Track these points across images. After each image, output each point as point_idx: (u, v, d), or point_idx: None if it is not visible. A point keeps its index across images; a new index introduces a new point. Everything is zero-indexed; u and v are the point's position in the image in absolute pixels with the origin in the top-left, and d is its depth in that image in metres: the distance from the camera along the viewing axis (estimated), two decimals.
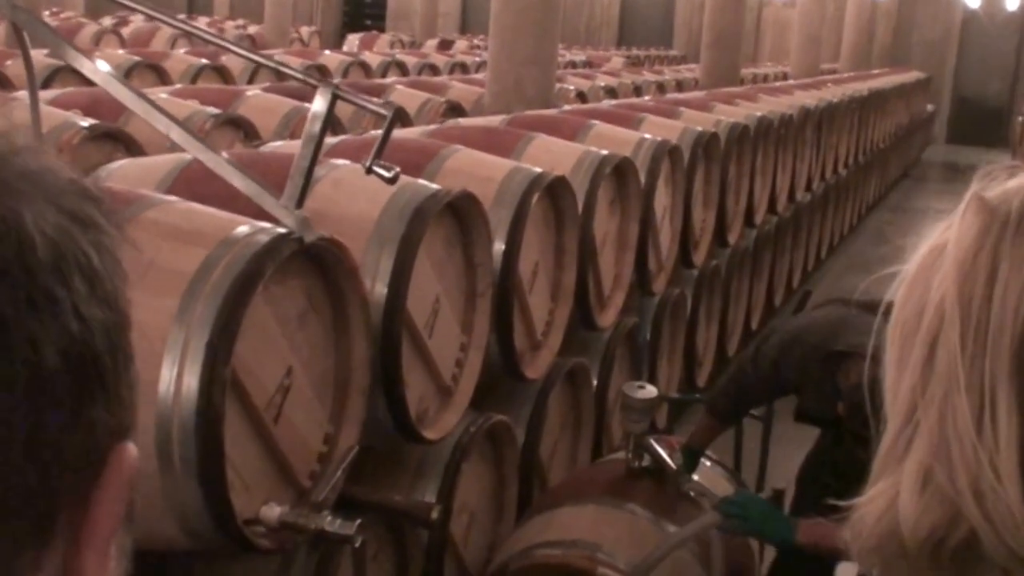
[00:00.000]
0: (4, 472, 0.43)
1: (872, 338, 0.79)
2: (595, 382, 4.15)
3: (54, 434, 0.45)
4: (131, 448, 0.49)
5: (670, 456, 3.17)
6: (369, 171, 2.32)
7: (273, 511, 2.20)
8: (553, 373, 3.66)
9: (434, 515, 2.60)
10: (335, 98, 2.40)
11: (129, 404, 0.50)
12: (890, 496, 0.73)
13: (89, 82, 4.21)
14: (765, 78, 15.08)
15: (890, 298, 0.78)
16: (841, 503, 0.76)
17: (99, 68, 2.56)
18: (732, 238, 6.19)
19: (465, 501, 3.16)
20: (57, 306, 0.45)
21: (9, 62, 5.36)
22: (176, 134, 2.47)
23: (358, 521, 2.29)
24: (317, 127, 2.37)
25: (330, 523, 2.26)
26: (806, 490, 3.18)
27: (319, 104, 2.39)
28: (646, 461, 3.23)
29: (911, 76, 18.90)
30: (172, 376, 1.98)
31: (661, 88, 10.87)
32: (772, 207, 7.29)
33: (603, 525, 3.02)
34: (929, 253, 0.77)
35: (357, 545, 2.29)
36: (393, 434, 2.75)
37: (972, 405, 0.70)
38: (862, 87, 12.73)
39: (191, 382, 1.96)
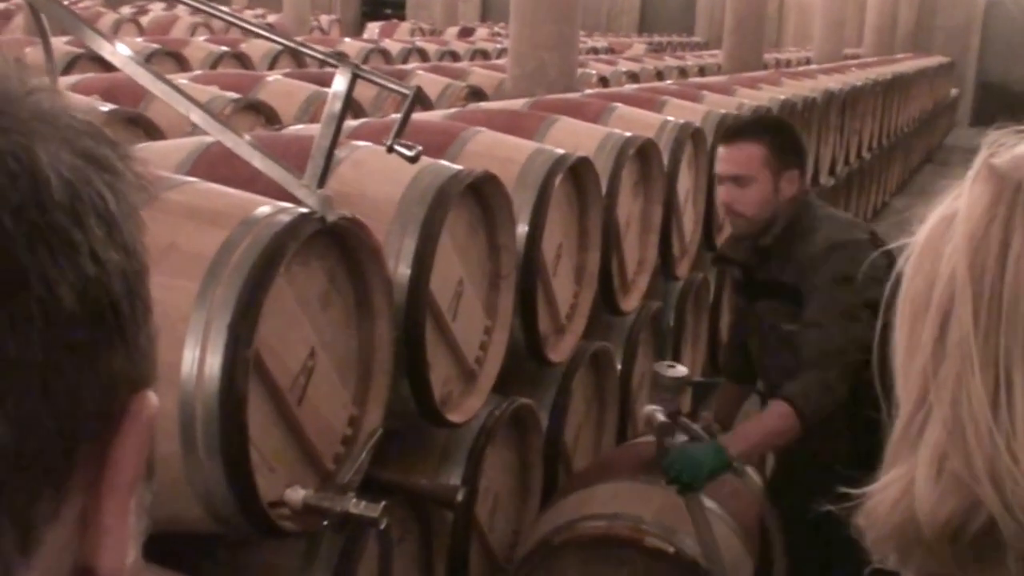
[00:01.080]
0: (20, 418, 0.42)
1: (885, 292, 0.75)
2: (619, 366, 4.12)
3: (71, 380, 0.44)
4: (151, 397, 0.48)
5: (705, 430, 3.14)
6: (390, 150, 2.29)
7: (298, 494, 2.18)
8: (577, 357, 3.63)
9: (459, 497, 2.58)
10: (355, 77, 2.38)
11: (148, 354, 0.49)
12: (905, 483, 0.69)
13: (108, 69, 4.19)
14: (788, 63, 14.98)
15: (898, 271, 0.74)
16: (853, 491, 0.72)
17: (119, 51, 2.55)
18: None
19: (490, 484, 3.14)
20: (73, 248, 0.44)
21: (28, 49, 5.36)
22: (196, 116, 2.45)
23: (383, 503, 2.27)
24: (337, 106, 2.34)
25: (355, 505, 2.24)
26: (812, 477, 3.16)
27: (339, 83, 2.36)
28: (677, 440, 3.19)
29: (934, 60, 18.74)
30: (194, 358, 1.96)
31: (683, 73, 10.80)
32: None
33: (641, 500, 3.00)
34: (938, 224, 0.73)
35: (382, 527, 2.27)
36: (418, 418, 2.73)
37: (987, 386, 0.66)
38: (886, 71, 12.61)
39: (214, 364, 1.94)
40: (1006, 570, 0.67)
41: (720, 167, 3.10)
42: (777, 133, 3.13)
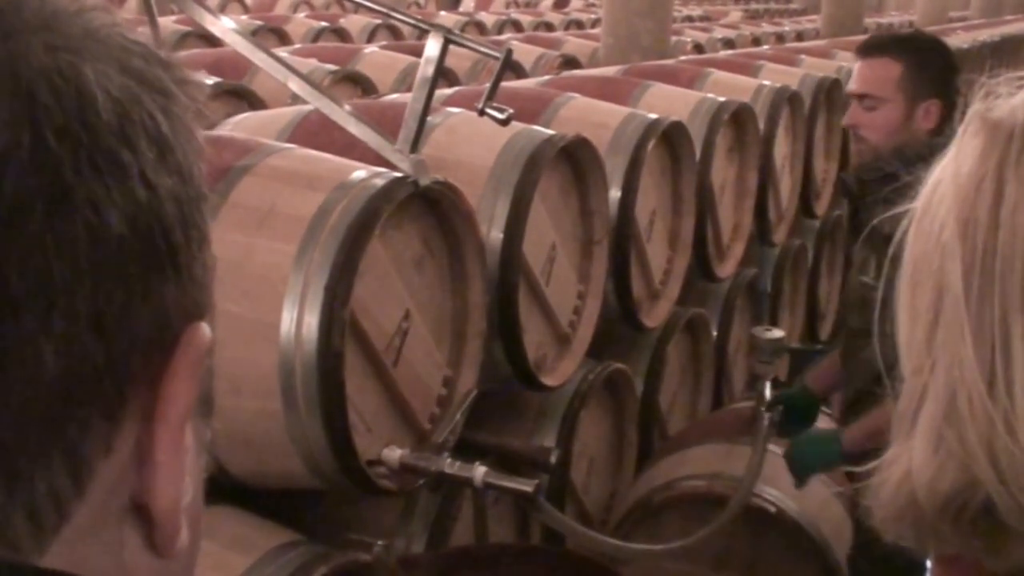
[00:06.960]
0: (68, 346, 0.40)
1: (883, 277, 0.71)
2: (715, 333, 4.10)
3: (121, 308, 0.42)
4: (204, 328, 0.46)
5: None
6: (482, 113, 2.31)
7: (394, 453, 2.23)
8: (672, 322, 3.62)
9: (553, 459, 2.60)
10: (447, 42, 2.40)
11: (203, 284, 0.47)
12: (906, 460, 0.65)
13: (214, 46, 4.30)
14: (890, 27, 14.56)
15: (897, 241, 0.69)
16: (857, 468, 0.69)
17: (223, 23, 2.62)
18: None
19: (585, 448, 3.16)
20: (122, 170, 0.42)
21: (140, 29, 5.52)
22: (295, 84, 2.50)
23: (478, 463, 2.30)
24: (430, 71, 2.37)
25: (450, 466, 2.28)
26: None
27: (431, 48, 2.39)
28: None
29: None
30: (293, 318, 2.01)
31: (780, 39, 10.59)
32: None
33: (741, 460, 2.99)
34: (934, 186, 0.67)
35: (478, 486, 2.31)
36: (512, 381, 2.76)
37: (980, 354, 0.61)
38: (994, 33, 12.18)
39: (311, 323, 2.00)
40: (1012, 550, 0.63)
41: (850, 83, 2.71)
42: (922, 52, 2.63)
